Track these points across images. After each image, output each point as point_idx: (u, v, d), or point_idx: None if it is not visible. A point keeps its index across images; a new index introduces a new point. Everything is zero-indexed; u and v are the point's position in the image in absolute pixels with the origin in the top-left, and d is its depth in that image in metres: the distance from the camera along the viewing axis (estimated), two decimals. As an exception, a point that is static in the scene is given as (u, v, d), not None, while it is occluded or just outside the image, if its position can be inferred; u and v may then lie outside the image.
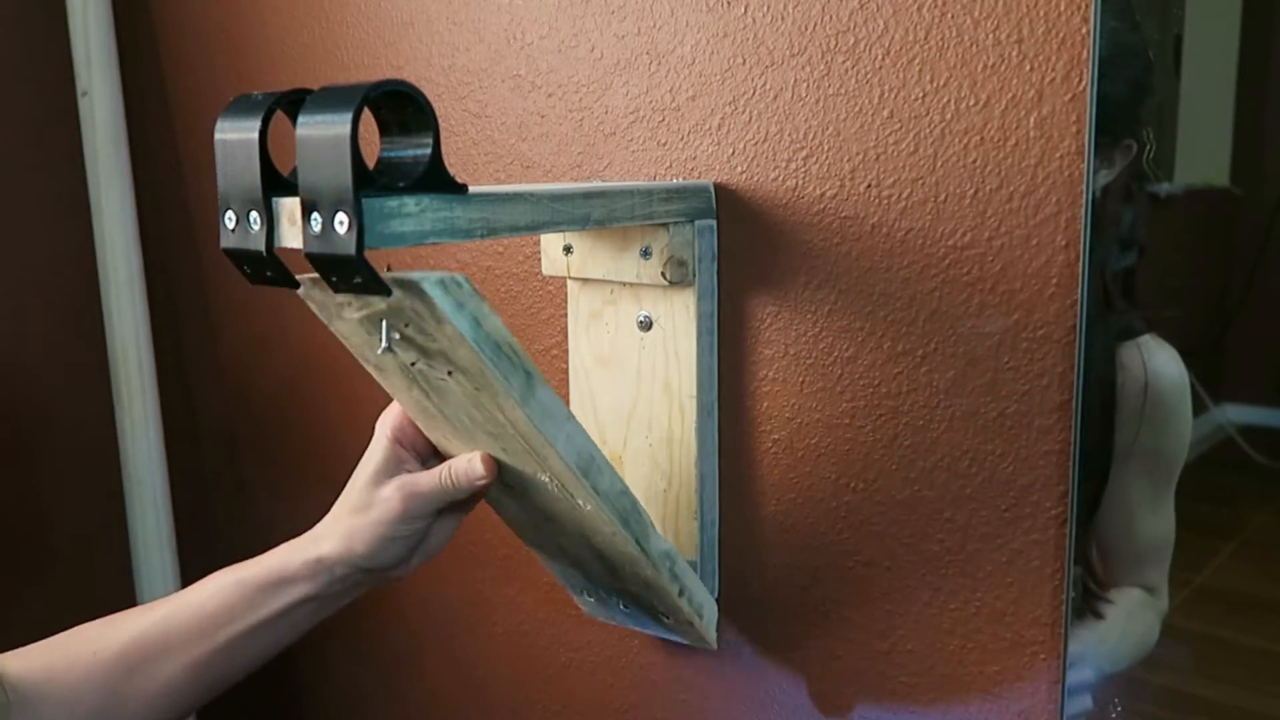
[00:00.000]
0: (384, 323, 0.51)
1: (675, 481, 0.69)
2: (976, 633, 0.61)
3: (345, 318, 0.53)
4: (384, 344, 0.51)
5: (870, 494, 0.63)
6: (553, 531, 0.64)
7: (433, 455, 0.66)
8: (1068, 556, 0.57)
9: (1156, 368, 0.59)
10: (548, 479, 0.58)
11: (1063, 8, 0.53)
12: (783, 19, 0.62)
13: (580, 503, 0.58)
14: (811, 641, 0.68)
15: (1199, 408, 0.65)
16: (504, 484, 0.61)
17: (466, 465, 0.61)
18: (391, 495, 0.64)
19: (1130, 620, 0.60)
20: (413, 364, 0.54)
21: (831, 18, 0.60)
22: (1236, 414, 0.64)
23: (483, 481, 0.61)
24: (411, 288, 0.48)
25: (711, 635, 0.69)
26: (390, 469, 0.65)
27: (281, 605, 0.67)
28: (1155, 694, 0.62)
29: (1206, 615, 0.62)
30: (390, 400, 0.64)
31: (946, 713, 0.63)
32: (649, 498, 0.70)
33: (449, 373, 0.53)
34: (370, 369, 0.58)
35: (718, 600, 0.71)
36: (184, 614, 0.68)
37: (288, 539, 0.67)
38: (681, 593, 0.65)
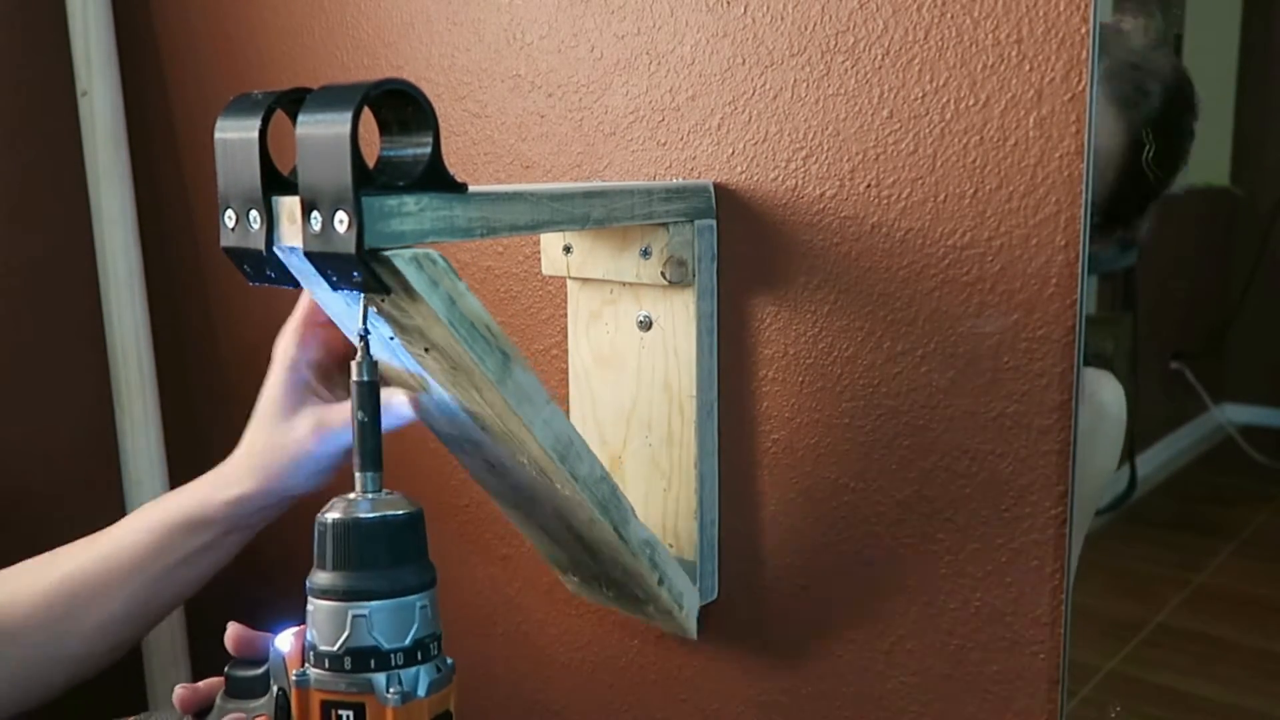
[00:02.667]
0: (361, 298, 0.51)
1: (675, 481, 0.69)
2: (976, 632, 0.61)
3: (324, 286, 0.53)
4: (361, 326, 0.51)
5: (870, 494, 0.63)
6: (535, 511, 0.64)
7: (337, 382, 0.66)
8: (1067, 556, 0.57)
9: (1104, 398, 0.60)
10: (525, 461, 0.58)
11: (1062, 8, 0.53)
12: (782, 19, 0.62)
13: (559, 487, 0.58)
14: (811, 641, 0.68)
15: (1199, 408, 0.65)
16: (484, 461, 0.61)
17: (388, 404, 0.60)
18: (305, 434, 0.63)
19: None
20: (391, 338, 0.54)
21: (831, 18, 0.60)
22: (1236, 414, 0.64)
23: (407, 424, 0.59)
24: (384, 263, 0.47)
25: (691, 625, 0.69)
26: (295, 399, 0.64)
27: (207, 540, 0.68)
28: (1155, 694, 0.62)
29: (1206, 615, 0.62)
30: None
31: (946, 713, 0.63)
32: (649, 498, 0.70)
33: (425, 349, 0.53)
34: (352, 337, 0.58)
35: (718, 599, 0.71)
36: (115, 550, 0.70)
37: (286, 540, 0.67)
38: (661, 581, 0.65)
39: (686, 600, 0.68)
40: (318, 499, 0.54)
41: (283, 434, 0.64)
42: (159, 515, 0.70)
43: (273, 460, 0.65)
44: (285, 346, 0.65)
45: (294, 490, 0.66)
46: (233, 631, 0.59)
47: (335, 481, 0.68)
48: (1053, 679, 0.59)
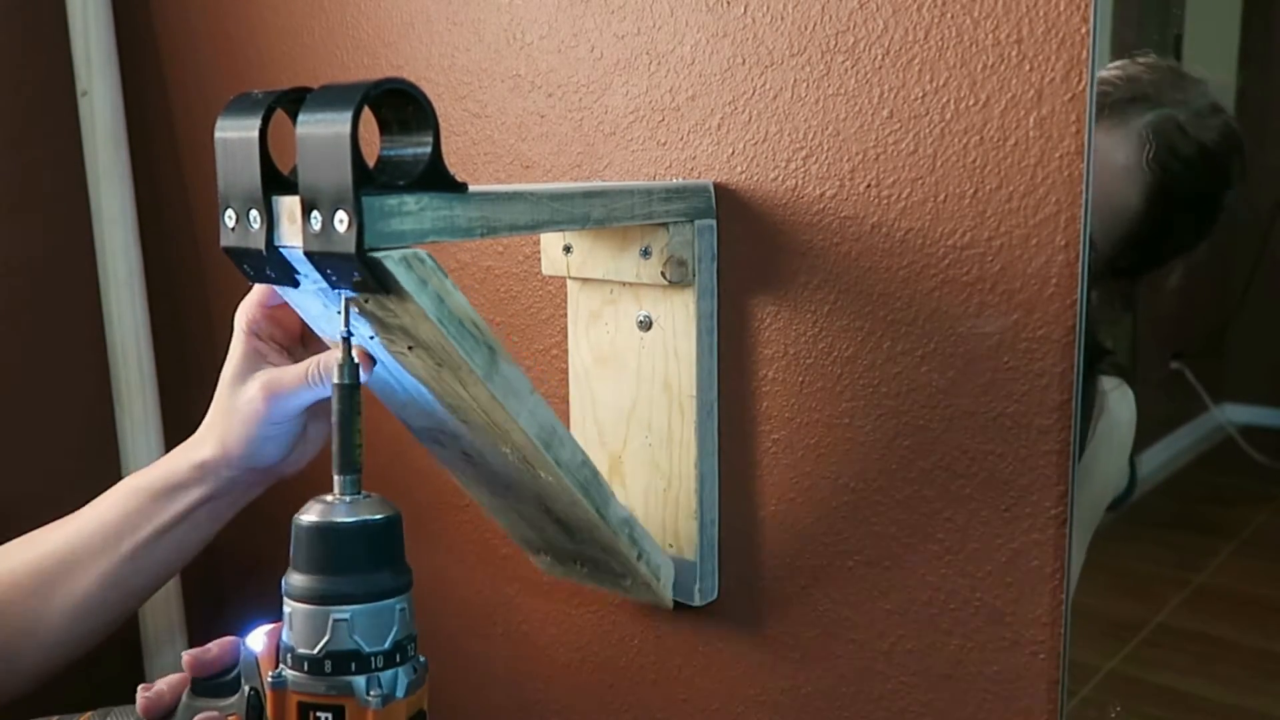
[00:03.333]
0: (343, 299, 0.51)
1: (675, 481, 0.69)
2: (976, 632, 0.61)
3: (302, 289, 0.53)
4: (344, 329, 0.51)
5: (870, 493, 0.63)
6: (511, 498, 0.64)
7: (299, 344, 0.66)
8: (1067, 556, 0.57)
9: (1118, 409, 0.60)
10: (508, 450, 0.58)
11: (1062, 7, 0.53)
12: (782, 19, 0.62)
13: (541, 474, 0.58)
14: (811, 641, 0.68)
15: (1199, 408, 0.65)
16: (462, 452, 0.61)
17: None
18: (255, 396, 0.63)
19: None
20: (371, 338, 0.54)
21: (831, 17, 0.60)
22: (1236, 414, 0.64)
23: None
24: (373, 265, 0.47)
25: (668, 596, 0.69)
26: (251, 365, 0.64)
27: (178, 510, 0.68)
28: (1155, 694, 0.62)
29: (1206, 615, 0.62)
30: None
31: (946, 713, 0.63)
32: (649, 498, 0.70)
33: (409, 348, 0.53)
34: (326, 339, 0.58)
35: (718, 599, 0.71)
36: (89, 528, 0.70)
37: (287, 540, 0.68)
38: (640, 556, 0.65)
39: (663, 573, 0.68)
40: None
41: (237, 396, 0.64)
42: (129, 487, 0.70)
43: (229, 424, 0.65)
44: (246, 312, 0.65)
45: (259, 458, 0.65)
46: (188, 659, 0.58)
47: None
48: (1053, 679, 0.59)
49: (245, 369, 0.64)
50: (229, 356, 0.65)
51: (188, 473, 0.67)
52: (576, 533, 0.64)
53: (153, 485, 0.69)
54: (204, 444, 0.67)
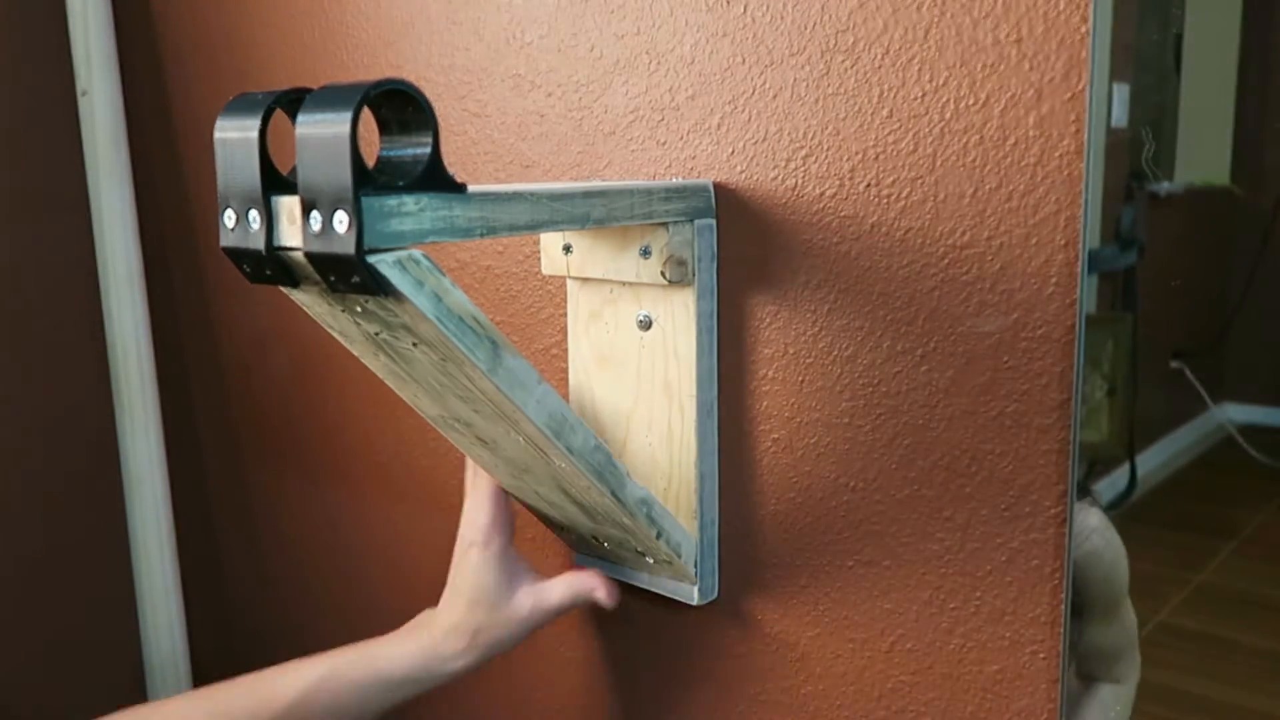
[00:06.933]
0: (345, 299, 0.51)
1: (675, 481, 0.69)
2: (976, 631, 0.61)
3: (304, 288, 0.53)
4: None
5: (870, 493, 0.63)
6: (530, 480, 0.65)
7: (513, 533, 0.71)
8: (1067, 555, 0.57)
9: (1089, 534, 0.60)
10: (520, 439, 0.58)
11: (1062, 7, 0.53)
12: (782, 18, 0.62)
13: (554, 460, 0.59)
14: (811, 641, 0.68)
15: (1199, 408, 0.65)
16: (477, 437, 0.61)
17: (591, 586, 0.69)
18: (528, 614, 0.70)
19: (1100, 711, 0.61)
20: (377, 334, 0.54)
21: (831, 17, 0.60)
22: (1236, 414, 0.64)
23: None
24: (368, 269, 0.47)
25: (691, 571, 0.69)
26: (509, 580, 0.70)
27: (407, 697, 0.71)
28: (1155, 693, 0.62)
29: (1206, 615, 0.62)
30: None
31: (946, 712, 0.63)
32: (649, 497, 0.70)
33: (414, 344, 0.53)
34: (336, 335, 0.58)
35: (718, 599, 0.71)
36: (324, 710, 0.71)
37: (287, 540, 0.68)
38: (659, 535, 0.65)
39: (685, 550, 0.68)
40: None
41: (506, 617, 0.69)
42: (358, 682, 0.70)
43: (496, 638, 0.70)
44: (481, 531, 0.69)
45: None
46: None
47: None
48: (1053, 679, 0.59)
49: (504, 587, 0.68)
50: (476, 573, 0.68)
51: (443, 678, 0.70)
52: (595, 514, 0.65)
53: (391, 677, 0.70)
54: (464, 656, 0.69)
